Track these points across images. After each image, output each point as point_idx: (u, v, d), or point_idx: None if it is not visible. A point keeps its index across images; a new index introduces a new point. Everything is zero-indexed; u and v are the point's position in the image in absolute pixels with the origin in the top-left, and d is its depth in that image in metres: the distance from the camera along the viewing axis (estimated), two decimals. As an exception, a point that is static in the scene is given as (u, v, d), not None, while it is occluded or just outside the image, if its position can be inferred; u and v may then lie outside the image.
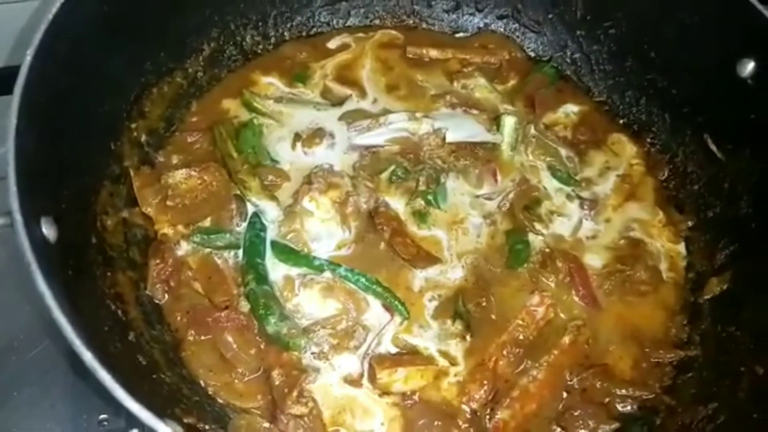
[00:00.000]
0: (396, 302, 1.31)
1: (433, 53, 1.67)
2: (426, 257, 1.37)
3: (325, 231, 1.37)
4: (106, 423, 1.32)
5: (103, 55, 1.24)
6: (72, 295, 0.95)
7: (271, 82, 1.60)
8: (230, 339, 1.23)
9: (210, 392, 1.21)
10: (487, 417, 1.22)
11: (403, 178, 1.46)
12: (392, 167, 1.46)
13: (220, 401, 1.21)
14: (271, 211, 1.39)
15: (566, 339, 1.28)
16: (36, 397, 1.34)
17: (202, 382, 1.22)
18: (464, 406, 1.23)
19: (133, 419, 1.28)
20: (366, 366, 1.26)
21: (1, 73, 1.63)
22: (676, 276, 1.42)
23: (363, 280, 1.31)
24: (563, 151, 1.54)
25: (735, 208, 1.39)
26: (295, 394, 1.15)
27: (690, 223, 1.47)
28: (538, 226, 1.43)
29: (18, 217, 0.90)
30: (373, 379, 1.23)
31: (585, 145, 1.57)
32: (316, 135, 1.50)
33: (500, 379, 1.25)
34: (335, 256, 1.36)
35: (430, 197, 1.44)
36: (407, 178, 1.46)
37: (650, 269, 1.39)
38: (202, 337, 1.25)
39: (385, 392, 1.23)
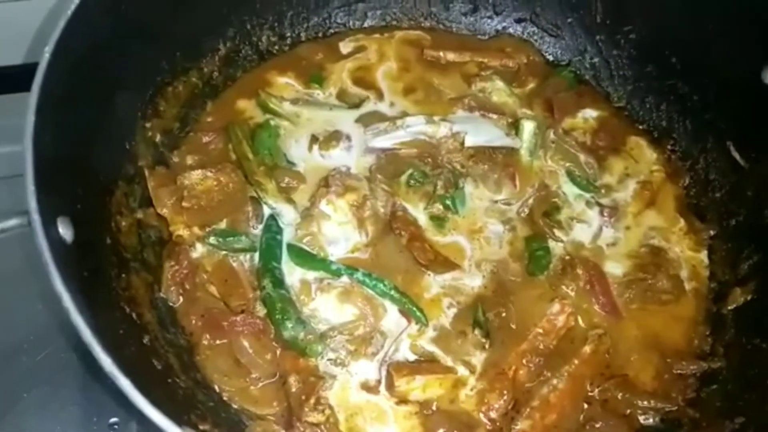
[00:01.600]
0: (413, 308, 1.28)
1: (451, 56, 1.65)
2: (444, 263, 1.35)
3: (342, 234, 1.35)
4: (116, 426, 1.31)
5: (119, 54, 1.23)
6: (88, 297, 0.92)
7: (287, 83, 1.58)
8: (246, 344, 1.21)
9: (225, 398, 1.19)
10: (507, 427, 1.20)
11: (421, 182, 1.43)
12: (410, 171, 1.43)
13: (235, 407, 1.19)
14: (287, 214, 1.38)
15: (587, 348, 1.26)
16: (46, 399, 1.32)
17: (216, 387, 1.20)
18: (483, 417, 1.21)
19: (145, 423, 1.29)
20: (383, 373, 1.23)
21: (19, 70, 1.66)
22: (699, 285, 1.39)
23: (381, 285, 1.29)
24: (582, 157, 1.51)
25: (759, 216, 1.36)
26: (312, 401, 1.13)
27: (712, 232, 1.45)
28: (558, 232, 1.41)
29: (36, 217, 0.88)
30: (390, 386, 1.21)
31: (604, 150, 1.54)
32: (332, 137, 1.48)
33: (520, 389, 1.23)
34: (352, 259, 1.33)
35: (448, 202, 1.41)
36: (425, 182, 1.43)
37: (672, 278, 1.36)
38: (217, 342, 1.23)
39: (402, 400, 1.21)
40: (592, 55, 1.67)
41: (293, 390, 1.16)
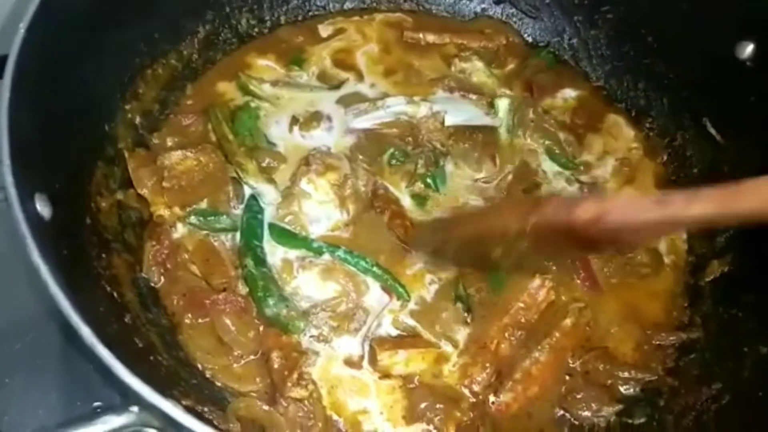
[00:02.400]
0: (395, 284, 1.29)
1: (431, 38, 1.65)
2: (424, 240, 1.36)
3: (323, 213, 1.36)
4: (100, 410, 1.29)
5: (96, 34, 1.22)
6: (67, 274, 0.92)
7: (267, 65, 1.58)
8: (228, 322, 1.21)
9: (208, 375, 1.19)
10: (490, 400, 1.21)
11: (402, 161, 1.44)
12: (391, 150, 1.44)
13: (219, 384, 1.19)
14: (268, 194, 1.38)
15: (568, 321, 1.27)
16: (28, 384, 1.31)
17: (199, 365, 1.20)
18: (466, 390, 1.22)
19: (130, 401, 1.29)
20: (366, 348, 1.24)
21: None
22: (677, 259, 1.41)
23: (362, 262, 1.30)
24: (562, 135, 1.53)
25: (736, 191, 1.38)
26: (295, 376, 1.14)
27: (689, 207, 1.47)
28: None
29: (12, 190, 0.88)
30: (373, 361, 1.22)
31: (583, 129, 1.56)
32: (313, 118, 1.48)
33: (502, 362, 1.24)
34: (333, 237, 1.34)
35: (429, 180, 1.42)
36: (406, 161, 1.44)
37: (650, 252, 1.38)
38: (200, 320, 1.23)
39: (385, 375, 1.22)
40: (571, 36, 1.69)
41: (276, 366, 1.16)
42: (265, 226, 1.34)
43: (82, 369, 1.31)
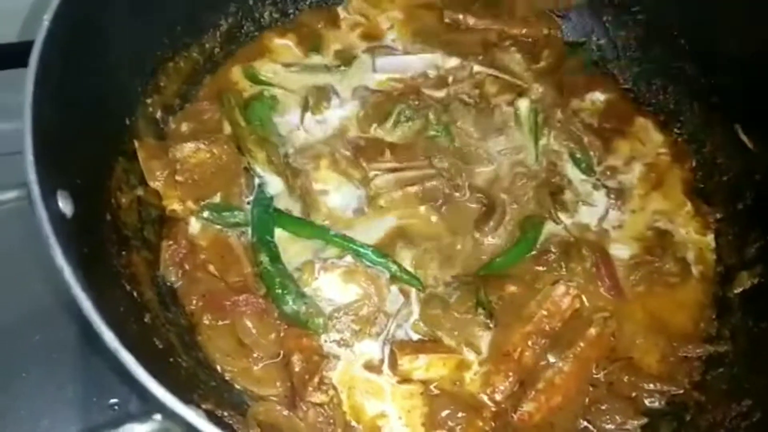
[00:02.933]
0: (408, 276, 1.27)
1: (471, 21, 1.61)
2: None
3: (346, 197, 1.36)
4: (117, 407, 1.29)
5: (119, 27, 1.20)
6: (88, 273, 0.90)
7: (285, 44, 1.56)
8: (249, 324, 1.19)
9: (227, 378, 1.17)
10: (512, 409, 1.19)
11: (410, 118, 1.43)
12: (399, 107, 1.42)
13: (238, 387, 1.17)
14: (275, 184, 1.36)
15: (592, 331, 1.24)
16: (44, 379, 1.30)
17: (218, 368, 1.18)
18: (488, 399, 1.20)
19: (146, 402, 1.27)
20: (387, 352, 1.22)
21: (13, 49, 1.63)
22: (705, 269, 1.38)
23: (372, 254, 1.28)
24: (587, 139, 1.49)
25: (766, 200, 1.35)
26: (316, 380, 1.12)
27: (718, 216, 1.43)
28: (562, 215, 1.39)
29: (35, 188, 0.86)
30: (393, 365, 1.20)
31: (611, 133, 1.52)
32: (322, 98, 1.46)
33: (525, 371, 1.21)
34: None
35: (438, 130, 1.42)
36: (415, 117, 1.43)
37: (679, 261, 1.35)
38: (219, 322, 1.21)
39: (405, 379, 1.20)
40: (599, 37, 1.66)
41: (297, 369, 1.14)
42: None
43: (99, 363, 1.31)
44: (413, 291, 1.28)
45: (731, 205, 1.43)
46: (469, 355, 1.23)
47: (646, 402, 1.22)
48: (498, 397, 1.19)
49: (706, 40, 1.47)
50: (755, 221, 1.37)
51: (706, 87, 1.49)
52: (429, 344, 1.23)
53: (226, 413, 1.07)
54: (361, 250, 1.28)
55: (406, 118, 1.42)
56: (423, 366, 1.19)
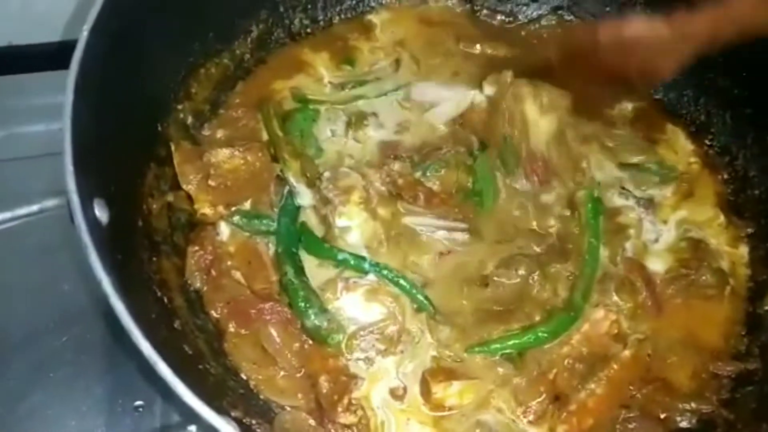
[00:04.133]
0: (418, 295, 1.25)
1: (489, 50, 1.60)
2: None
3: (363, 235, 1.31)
4: (141, 409, 1.30)
5: (153, 34, 1.21)
6: (122, 280, 0.91)
7: (320, 63, 1.55)
8: (274, 332, 1.19)
9: (252, 386, 1.18)
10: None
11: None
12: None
13: (262, 397, 1.17)
14: (306, 196, 1.35)
15: (627, 353, 1.23)
16: (71, 380, 1.31)
17: (244, 376, 1.18)
18: (521, 420, 1.18)
19: (172, 405, 1.28)
20: (416, 379, 1.20)
21: (56, 48, 1.65)
22: (736, 284, 1.36)
23: (385, 272, 1.26)
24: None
25: (800, 215, 1.34)
26: (345, 401, 1.11)
27: (750, 230, 1.41)
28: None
29: (75, 198, 0.87)
30: (426, 393, 1.18)
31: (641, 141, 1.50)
32: (360, 119, 1.45)
33: (557, 392, 1.20)
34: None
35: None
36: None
37: (716, 272, 1.33)
38: (243, 331, 1.21)
39: (437, 407, 1.18)
40: (630, 47, 1.64)
41: (324, 391, 1.13)
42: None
43: (125, 366, 1.32)
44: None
45: (763, 220, 1.40)
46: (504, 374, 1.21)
47: (678, 421, 1.20)
48: (530, 417, 1.18)
49: (739, 51, 1.43)
50: (788, 237, 1.35)
51: (739, 99, 1.47)
52: (461, 368, 1.21)
53: (254, 421, 1.08)
54: (374, 268, 1.26)
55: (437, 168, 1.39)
56: (456, 392, 1.18)
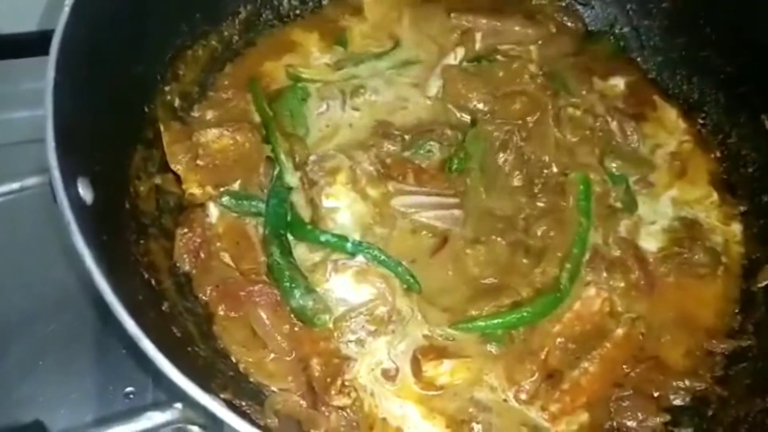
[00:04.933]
0: (405, 274, 1.23)
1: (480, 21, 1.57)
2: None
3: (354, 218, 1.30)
4: (132, 395, 1.29)
5: (139, 13, 1.19)
6: (108, 260, 0.90)
7: (312, 43, 1.53)
8: (263, 315, 1.18)
9: (242, 369, 1.17)
10: (539, 410, 1.17)
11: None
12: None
13: (252, 379, 1.16)
14: (295, 177, 1.33)
15: (619, 331, 1.22)
16: (61, 367, 1.31)
17: (233, 358, 1.17)
18: (513, 400, 1.17)
19: (162, 390, 1.27)
20: (408, 358, 1.19)
21: (34, 37, 1.65)
22: (729, 262, 1.35)
23: (369, 251, 1.24)
24: (615, 122, 1.45)
25: (793, 193, 1.33)
26: (338, 384, 1.10)
27: (743, 208, 1.41)
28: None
29: (56, 174, 0.86)
30: (418, 372, 1.17)
31: (634, 118, 1.47)
32: (357, 89, 1.45)
33: (549, 370, 1.19)
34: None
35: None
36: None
37: (709, 251, 1.32)
38: (232, 314, 1.20)
39: (429, 385, 1.17)
40: (623, 25, 1.63)
41: (317, 374, 1.12)
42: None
43: (115, 353, 1.32)
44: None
45: (756, 198, 1.40)
46: (492, 349, 1.20)
47: (671, 399, 1.19)
48: (523, 396, 1.17)
49: (732, 29, 1.43)
50: (781, 215, 1.34)
51: (732, 77, 1.46)
52: (452, 347, 1.20)
53: (243, 403, 1.06)
54: (359, 248, 1.25)
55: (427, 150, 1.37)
56: (448, 371, 1.17)
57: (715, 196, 1.42)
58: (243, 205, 1.30)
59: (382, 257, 1.24)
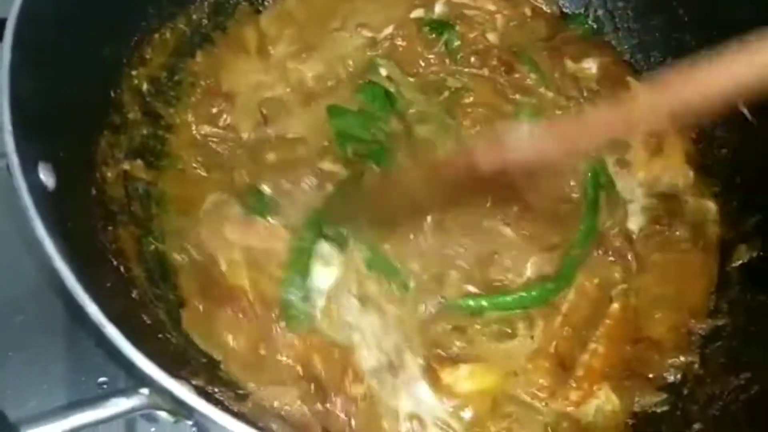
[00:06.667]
0: (390, 269, 1.21)
1: None
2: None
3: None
4: (105, 386, 1.27)
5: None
6: (72, 247, 0.88)
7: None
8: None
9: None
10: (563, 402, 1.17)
11: None
12: None
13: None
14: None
15: (616, 305, 1.23)
16: (32, 359, 1.27)
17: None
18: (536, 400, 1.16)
19: (135, 379, 1.25)
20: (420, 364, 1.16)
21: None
22: (705, 241, 1.34)
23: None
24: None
25: (765, 173, 1.31)
26: (350, 374, 1.08)
27: (717, 189, 1.41)
28: None
29: (14, 158, 0.83)
30: (435, 382, 1.13)
31: (607, 99, 1.46)
32: None
33: (562, 360, 1.18)
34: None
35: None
36: None
37: (689, 225, 1.33)
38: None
39: (450, 395, 1.13)
40: (596, 8, 1.61)
41: (324, 372, 1.10)
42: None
43: (86, 343, 1.29)
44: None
45: (730, 179, 1.40)
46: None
47: (666, 376, 1.21)
48: (543, 394, 1.16)
49: (706, 11, 1.43)
50: (754, 195, 1.34)
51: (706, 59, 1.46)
52: (464, 353, 1.17)
53: (217, 389, 1.05)
54: None
55: None
56: (466, 375, 1.14)
57: (691, 174, 1.42)
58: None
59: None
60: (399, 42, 1.46)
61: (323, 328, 1.16)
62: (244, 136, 1.36)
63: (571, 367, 1.17)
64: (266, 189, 1.25)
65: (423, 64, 1.46)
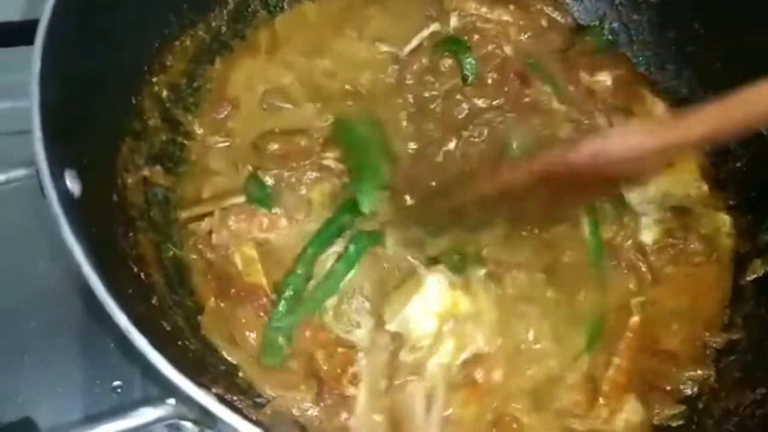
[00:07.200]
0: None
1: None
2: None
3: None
4: (120, 390, 1.27)
5: (125, 3, 1.18)
6: (97, 254, 0.88)
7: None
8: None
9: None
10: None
11: None
12: None
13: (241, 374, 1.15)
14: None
15: (636, 318, 1.23)
16: (47, 361, 1.28)
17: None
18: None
19: (150, 384, 1.26)
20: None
21: (18, 26, 1.60)
22: (719, 255, 1.35)
23: None
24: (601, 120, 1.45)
25: (780, 187, 1.33)
26: (350, 372, 1.09)
27: (731, 202, 1.41)
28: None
29: (44, 166, 0.84)
30: (472, 385, 1.14)
31: (622, 113, 1.47)
32: None
33: (588, 377, 1.19)
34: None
35: None
36: None
37: (703, 238, 1.33)
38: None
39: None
40: (612, 20, 1.62)
41: (325, 368, 1.11)
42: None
43: (101, 347, 1.29)
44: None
45: (744, 192, 1.40)
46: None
47: (682, 389, 1.21)
48: (578, 417, 1.16)
49: (721, 25, 1.44)
50: (768, 208, 1.35)
51: (720, 73, 1.46)
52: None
53: (235, 397, 1.05)
54: None
55: None
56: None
57: (704, 187, 1.42)
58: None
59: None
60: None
61: (331, 324, 1.18)
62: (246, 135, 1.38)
63: (597, 383, 1.18)
64: (268, 179, 1.27)
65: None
